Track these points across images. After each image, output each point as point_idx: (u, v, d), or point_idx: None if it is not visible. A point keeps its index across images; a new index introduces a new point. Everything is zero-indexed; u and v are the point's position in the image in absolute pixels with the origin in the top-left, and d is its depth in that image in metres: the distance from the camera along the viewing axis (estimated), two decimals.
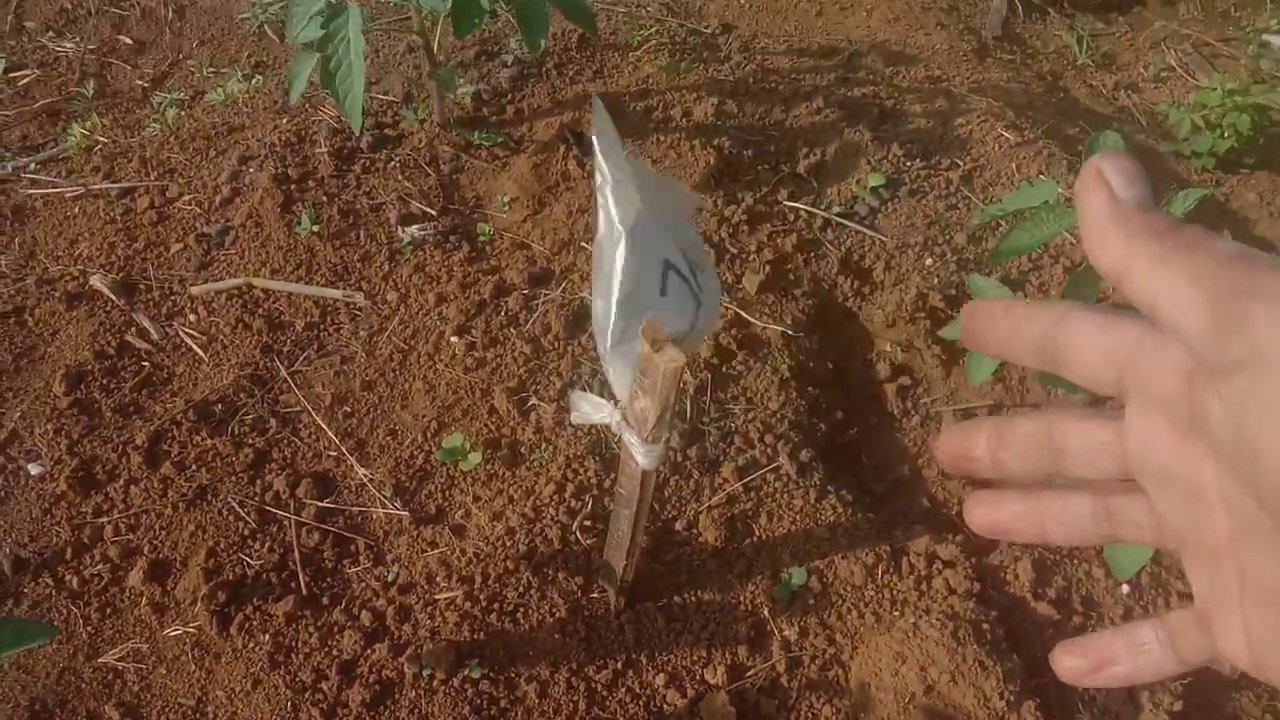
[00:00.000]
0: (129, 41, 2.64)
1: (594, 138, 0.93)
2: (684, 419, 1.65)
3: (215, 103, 2.25)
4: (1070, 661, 0.47)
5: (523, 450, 1.61)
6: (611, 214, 0.98)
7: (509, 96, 2.19)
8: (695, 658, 1.43)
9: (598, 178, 0.98)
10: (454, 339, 1.72)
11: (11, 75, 2.56)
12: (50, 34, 2.65)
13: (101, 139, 2.25)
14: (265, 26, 2.61)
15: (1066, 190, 1.94)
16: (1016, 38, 3.06)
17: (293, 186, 1.95)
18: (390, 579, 1.45)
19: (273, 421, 1.63)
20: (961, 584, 1.54)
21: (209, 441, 1.58)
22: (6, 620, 1.31)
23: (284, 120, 2.13)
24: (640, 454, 1.05)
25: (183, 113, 2.28)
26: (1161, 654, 0.46)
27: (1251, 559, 0.39)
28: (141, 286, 1.83)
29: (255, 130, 2.13)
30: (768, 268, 1.91)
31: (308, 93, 2.20)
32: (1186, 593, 1.70)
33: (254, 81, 2.37)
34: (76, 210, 2.01)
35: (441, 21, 2.04)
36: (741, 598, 1.51)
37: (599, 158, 0.95)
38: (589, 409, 1.08)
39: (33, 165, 2.23)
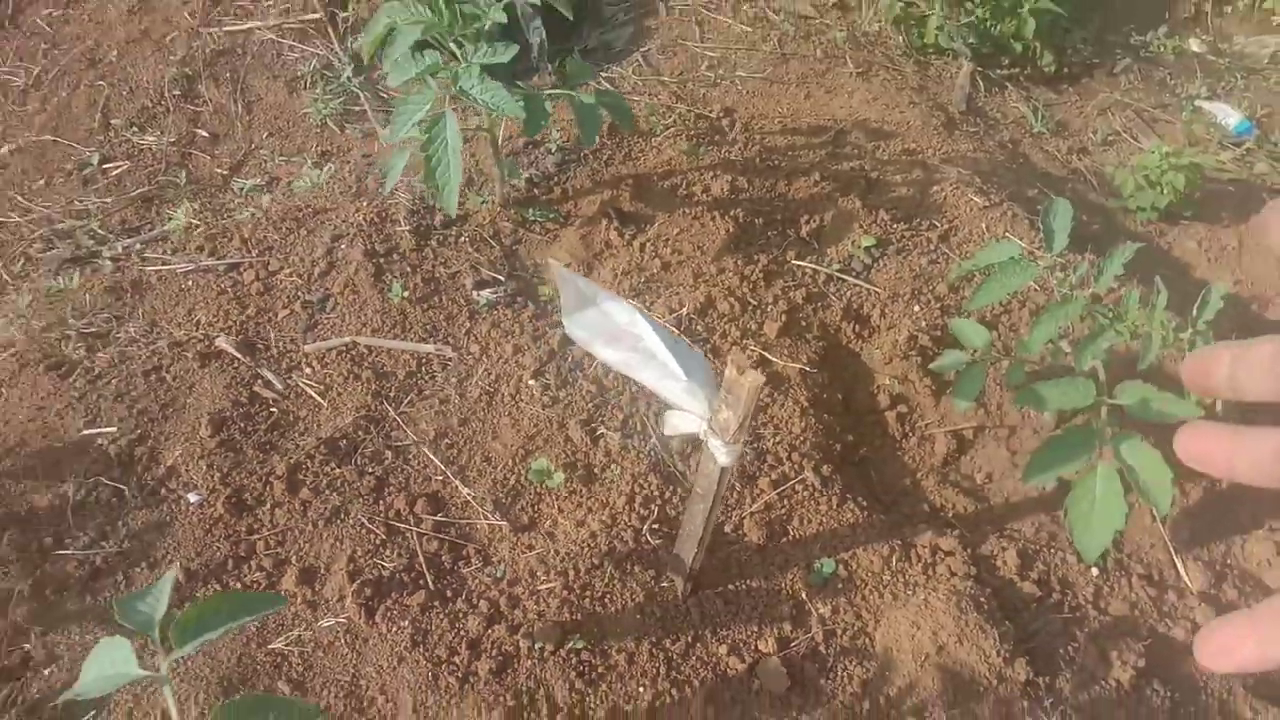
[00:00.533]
0: (205, 134, 3.00)
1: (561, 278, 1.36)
2: None
3: (301, 189, 2.61)
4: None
5: (596, 470, 1.95)
6: (622, 317, 1.40)
7: (555, 179, 2.57)
8: (749, 632, 1.77)
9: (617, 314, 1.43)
10: (531, 381, 2.07)
11: (105, 167, 2.91)
12: (134, 129, 3.01)
13: (196, 221, 2.60)
14: (328, 120, 2.99)
15: (1029, 248, 2.33)
16: (979, 110, 3.49)
17: (381, 260, 2.31)
18: (499, 575, 1.78)
19: (388, 453, 1.96)
20: (961, 569, 1.89)
21: (337, 471, 1.92)
22: (251, 593, 1.63)
23: (364, 203, 2.49)
24: (723, 454, 1.40)
25: (271, 197, 2.64)
26: None
27: None
28: (260, 346, 2.17)
29: (339, 212, 2.49)
30: (783, 316, 2.28)
31: (394, 198, 2.58)
32: (1145, 574, 2.05)
33: (326, 169, 2.73)
34: (190, 283, 2.35)
35: (503, 120, 2.42)
36: (783, 584, 1.85)
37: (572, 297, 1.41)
38: (679, 422, 1.43)
39: (138, 245, 2.58)
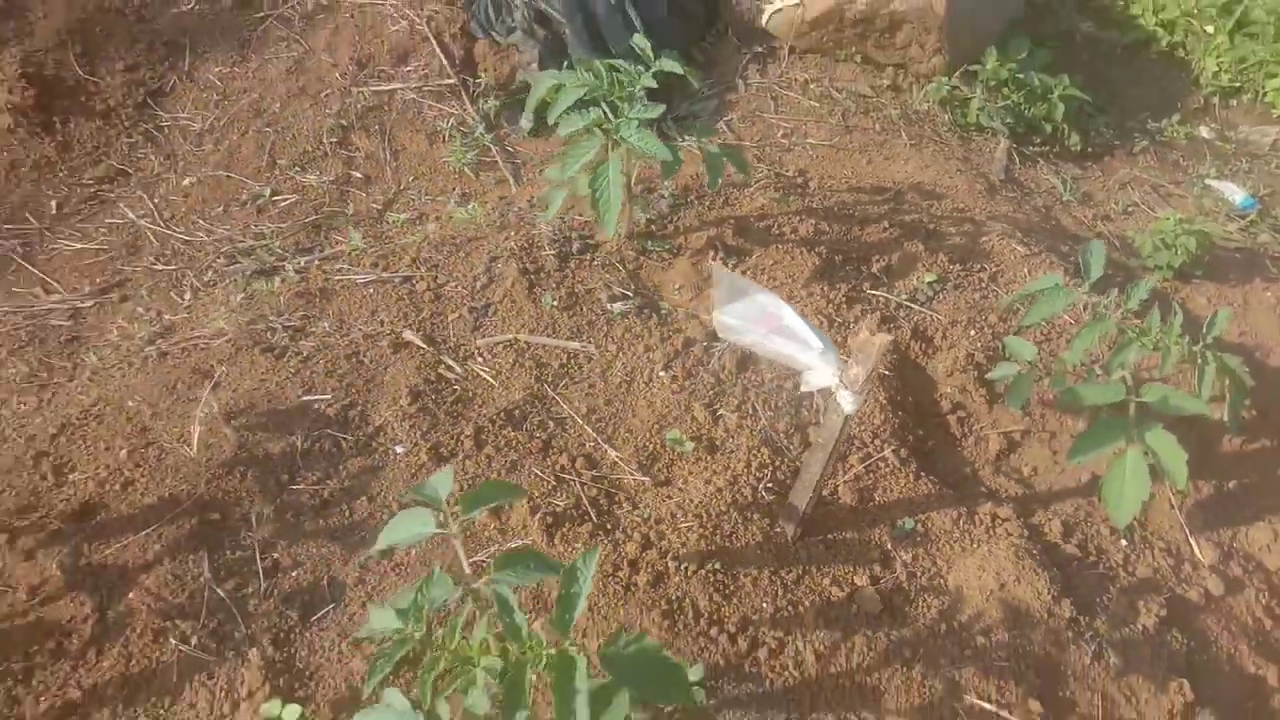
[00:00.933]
0: (359, 175, 3.53)
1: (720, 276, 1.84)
2: None
3: (456, 220, 3.12)
4: None
5: (717, 442, 2.41)
6: (768, 303, 1.88)
7: (668, 218, 3.08)
8: (846, 570, 2.20)
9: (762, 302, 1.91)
10: (661, 373, 2.55)
11: (274, 199, 3.43)
12: (297, 169, 3.54)
13: (366, 244, 3.10)
14: (464, 168, 3.51)
15: (1065, 280, 2.79)
16: (1016, 180, 4.01)
17: (532, 276, 2.80)
18: (646, 516, 2.23)
19: (550, 423, 2.43)
20: (1016, 531, 2.33)
21: (512, 434, 2.38)
22: (504, 483, 2.07)
23: (511, 233, 2.99)
24: (849, 402, 1.86)
25: (430, 227, 3.15)
26: None
27: None
28: (438, 339, 2.65)
29: (490, 240, 2.99)
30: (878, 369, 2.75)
31: (520, 211, 3.09)
32: (1164, 548, 2.48)
33: (469, 207, 3.25)
34: (370, 291, 2.84)
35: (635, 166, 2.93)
36: (872, 536, 2.29)
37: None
38: (814, 379, 1.90)
39: (315, 261, 3.08)
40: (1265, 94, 4.87)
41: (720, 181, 2.66)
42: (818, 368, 1.89)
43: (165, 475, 2.27)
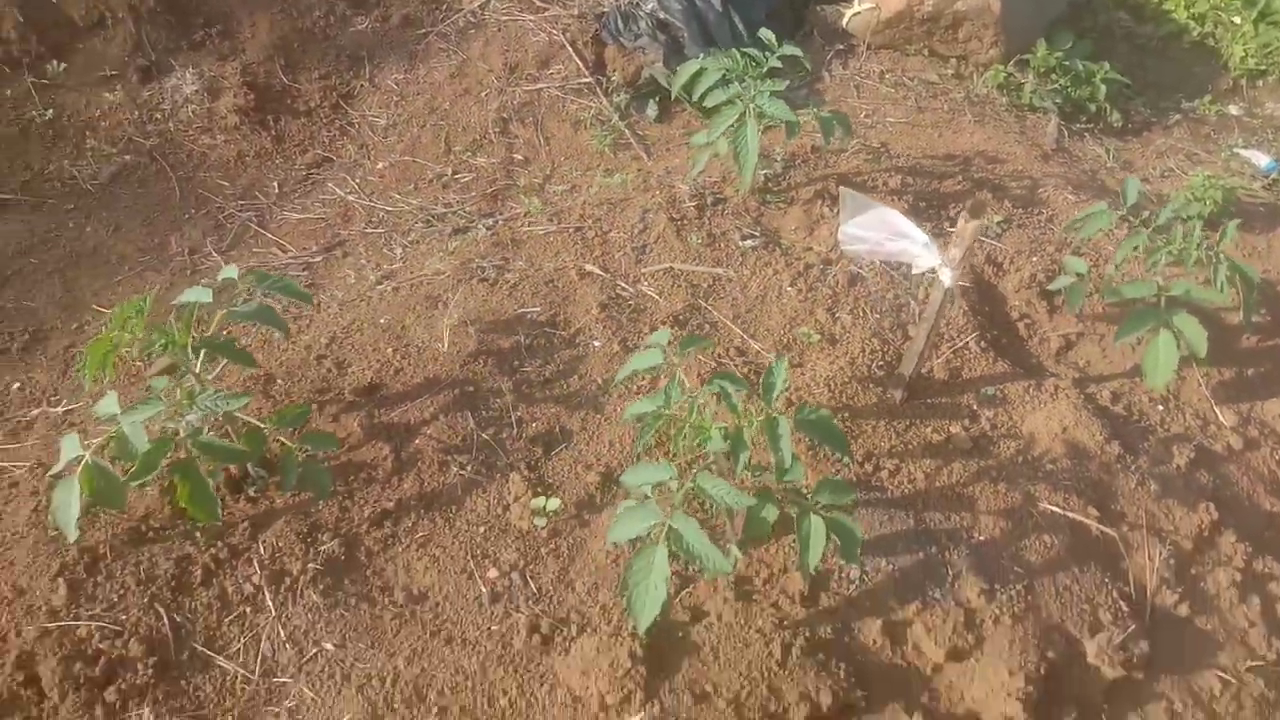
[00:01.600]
0: (520, 158, 4.32)
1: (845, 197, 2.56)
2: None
3: (608, 185, 3.88)
4: None
5: (837, 335, 3.13)
6: (883, 212, 2.59)
7: (782, 177, 3.82)
8: (943, 423, 2.90)
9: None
10: (789, 288, 3.27)
11: (455, 176, 4.23)
12: (469, 154, 4.34)
13: (539, 205, 3.88)
14: (605, 149, 4.28)
15: (1113, 209, 3.45)
16: (1066, 150, 4.68)
17: (678, 222, 3.55)
18: (788, 385, 2.95)
19: (706, 325, 3.17)
20: (1074, 395, 3.01)
21: (679, 332, 3.12)
22: (691, 336, 2.81)
23: (656, 193, 3.75)
24: (948, 277, 2.56)
25: (588, 193, 3.91)
26: None
27: None
28: (611, 269, 3.41)
29: (637, 199, 3.75)
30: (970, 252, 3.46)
31: (659, 177, 3.85)
32: (1194, 412, 3.14)
33: (616, 177, 4.01)
34: (551, 239, 3.61)
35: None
36: (961, 401, 2.99)
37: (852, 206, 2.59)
38: (922, 263, 2.60)
39: (500, 221, 3.86)
40: None
41: (832, 140, 3.40)
42: (923, 255, 2.60)
43: (426, 364, 3.04)
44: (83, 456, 2.32)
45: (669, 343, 2.40)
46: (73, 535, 2.37)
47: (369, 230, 4.01)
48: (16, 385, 3.42)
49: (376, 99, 4.61)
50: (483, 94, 4.56)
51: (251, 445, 2.45)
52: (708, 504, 2.20)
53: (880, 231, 2.68)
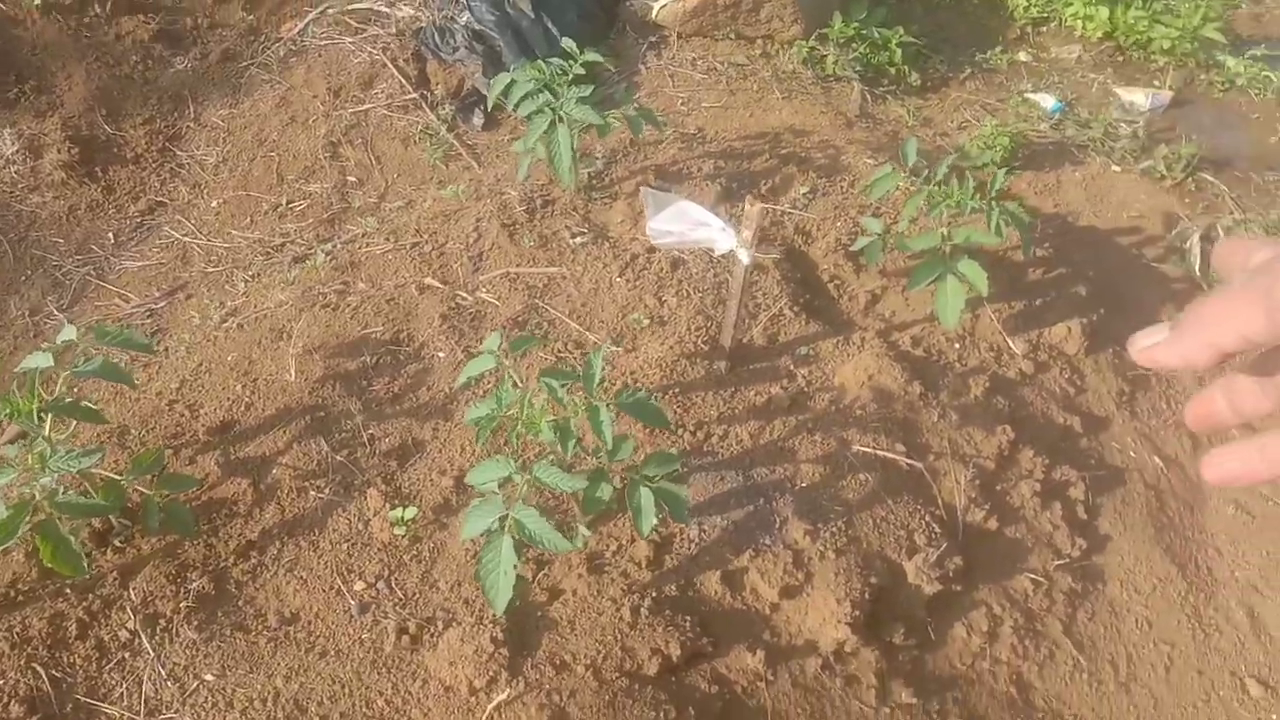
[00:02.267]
0: (354, 179, 4.43)
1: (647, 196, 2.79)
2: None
3: (442, 197, 4.04)
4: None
5: (665, 317, 3.37)
6: (683, 205, 2.83)
7: (605, 173, 4.03)
8: (765, 385, 3.18)
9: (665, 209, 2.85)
10: (618, 279, 3.50)
11: (290, 206, 4.31)
12: (302, 181, 4.42)
13: (375, 226, 4.01)
14: (437, 162, 4.43)
15: (900, 170, 3.77)
16: (870, 115, 5.03)
17: (510, 227, 3.74)
18: (623, 370, 3.18)
19: (544, 324, 3.37)
20: (879, 345, 3.32)
21: (519, 333, 3.31)
22: (522, 337, 2.99)
23: (488, 200, 3.92)
24: (745, 257, 2.82)
25: (422, 208, 4.06)
26: None
27: None
28: (450, 281, 3.57)
29: (471, 208, 3.92)
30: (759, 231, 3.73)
31: (489, 185, 4.02)
32: (988, 346, 3.49)
33: (449, 189, 4.16)
34: (389, 257, 3.75)
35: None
36: (779, 364, 3.27)
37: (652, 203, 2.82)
38: (721, 246, 2.85)
39: (337, 245, 3.98)
40: (1066, 20, 5.98)
41: (642, 134, 3.63)
42: (721, 239, 2.86)
43: (275, 396, 3.17)
44: None
45: (500, 346, 2.59)
46: None
47: (209, 269, 4.07)
48: None
49: (204, 137, 4.65)
50: (310, 120, 4.65)
51: (110, 498, 2.55)
52: (556, 491, 2.41)
53: (683, 223, 2.93)
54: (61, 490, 2.50)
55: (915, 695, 2.68)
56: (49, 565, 2.49)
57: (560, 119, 3.44)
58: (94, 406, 2.95)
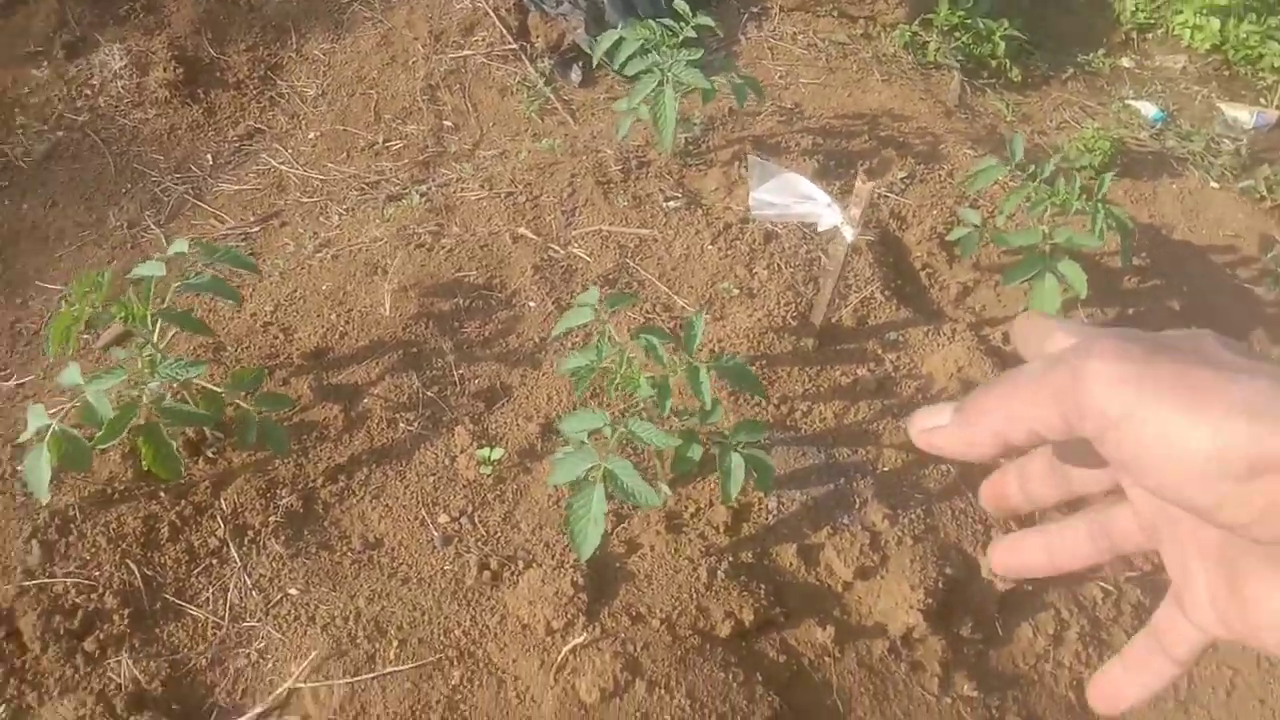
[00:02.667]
0: (449, 125, 4.46)
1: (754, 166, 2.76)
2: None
3: (538, 149, 4.06)
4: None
5: (754, 290, 3.38)
6: (790, 177, 2.82)
7: (702, 140, 4.03)
8: (851, 366, 3.18)
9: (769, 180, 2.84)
10: (710, 247, 3.51)
11: (386, 144, 4.35)
12: (399, 122, 4.46)
13: (471, 172, 4.04)
14: (532, 114, 4.45)
15: (1004, 163, 3.73)
16: (968, 106, 4.97)
17: (605, 185, 3.75)
18: (710, 338, 3.19)
19: (634, 283, 3.38)
20: (969, 337, 3.30)
21: (610, 290, 3.33)
22: (620, 294, 3.02)
23: (583, 157, 3.93)
24: (849, 233, 2.81)
25: (517, 158, 4.08)
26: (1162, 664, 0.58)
27: (1199, 530, 0.52)
28: (543, 233, 3.60)
29: (566, 164, 3.93)
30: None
31: (585, 141, 4.03)
32: None
33: (544, 142, 4.18)
34: (483, 204, 3.78)
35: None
36: (867, 346, 3.26)
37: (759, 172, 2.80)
38: (826, 223, 2.85)
39: (433, 188, 4.02)
40: (1174, 28, 5.84)
41: (745, 103, 3.62)
42: (826, 215, 2.85)
43: (370, 328, 3.22)
44: (50, 425, 2.47)
45: (598, 301, 2.61)
46: (45, 499, 2.52)
47: (304, 199, 4.13)
48: None
49: (304, 69, 4.70)
50: (410, 62, 4.68)
51: (210, 409, 2.61)
52: (640, 447, 2.44)
53: (787, 195, 2.92)
54: (167, 396, 2.57)
55: (977, 689, 2.68)
56: (148, 468, 2.57)
57: (667, 80, 3.44)
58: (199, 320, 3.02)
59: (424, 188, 4.01)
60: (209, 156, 4.36)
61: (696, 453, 2.43)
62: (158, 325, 2.63)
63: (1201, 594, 0.53)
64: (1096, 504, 0.61)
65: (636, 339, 2.47)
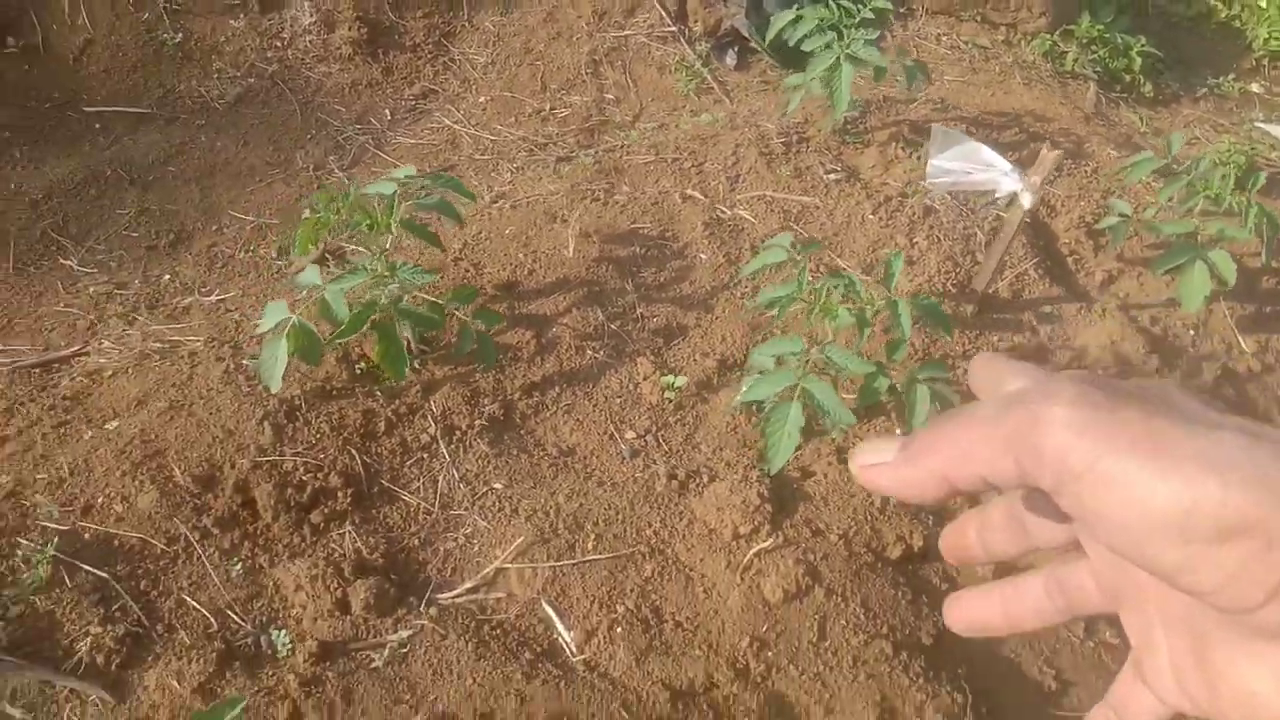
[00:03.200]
0: (610, 97, 4.73)
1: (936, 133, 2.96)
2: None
3: (699, 123, 4.30)
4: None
5: (914, 259, 3.57)
6: (972, 145, 3.01)
7: (859, 121, 4.24)
8: (1007, 334, 3.35)
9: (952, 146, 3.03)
10: (870, 216, 3.71)
11: (552, 111, 4.63)
12: (563, 92, 4.74)
13: (638, 139, 4.29)
14: (690, 92, 4.70)
15: (1160, 157, 3.87)
16: (1103, 115, 5.11)
17: (767, 157, 3.97)
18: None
19: (799, 245, 3.59)
20: (1120, 316, 3.45)
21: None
22: (812, 241, 3.25)
23: (744, 130, 4.17)
24: (1028, 199, 3.00)
25: (679, 130, 4.33)
26: None
27: (1163, 595, 0.48)
28: (710, 196, 3.83)
29: (726, 137, 4.17)
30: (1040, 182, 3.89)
31: (744, 117, 4.27)
32: (1221, 340, 3.59)
33: (702, 117, 4.42)
34: (650, 168, 4.02)
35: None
36: (1022, 318, 3.43)
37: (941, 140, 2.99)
38: (1005, 189, 3.03)
39: (600, 152, 4.27)
40: None
41: (914, 84, 3.83)
42: (1005, 181, 3.04)
43: (554, 267, 3.47)
44: (289, 319, 2.75)
45: (790, 244, 2.83)
46: (277, 387, 2.79)
47: (477, 156, 4.42)
48: (167, 277, 3.84)
49: (475, 38, 5.00)
50: (574, 38, 4.96)
51: (437, 315, 2.88)
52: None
53: (968, 163, 3.12)
54: (403, 298, 2.84)
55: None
56: (377, 363, 2.84)
57: (845, 57, 3.65)
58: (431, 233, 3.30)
59: (592, 152, 4.27)
60: (386, 112, 4.68)
61: (883, 384, 2.63)
62: (389, 238, 2.90)
63: (1164, 664, 0.50)
64: (1057, 559, 0.57)
65: (829, 279, 2.68)
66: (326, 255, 3.75)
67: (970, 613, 0.61)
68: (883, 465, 0.53)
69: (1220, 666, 0.46)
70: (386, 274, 2.78)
